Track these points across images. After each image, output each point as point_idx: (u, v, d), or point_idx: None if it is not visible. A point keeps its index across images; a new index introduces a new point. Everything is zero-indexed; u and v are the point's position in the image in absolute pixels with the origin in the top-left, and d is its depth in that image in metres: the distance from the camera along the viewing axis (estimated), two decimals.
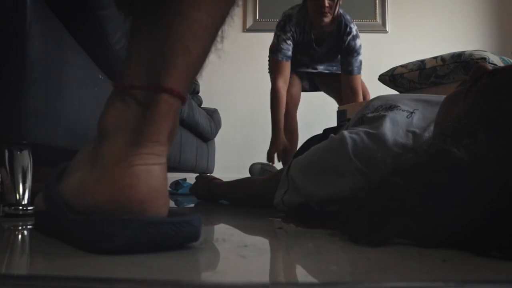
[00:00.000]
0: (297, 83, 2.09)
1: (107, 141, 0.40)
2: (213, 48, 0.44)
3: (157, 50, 0.40)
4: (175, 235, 0.38)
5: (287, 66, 1.93)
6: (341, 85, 2.01)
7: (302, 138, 1.87)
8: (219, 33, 0.44)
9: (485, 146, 0.42)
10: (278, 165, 2.03)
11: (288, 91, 1.98)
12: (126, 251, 0.36)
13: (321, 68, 2.09)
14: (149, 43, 0.41)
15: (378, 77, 1.81)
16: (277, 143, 1.90)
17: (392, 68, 1.78)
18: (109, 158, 0.39)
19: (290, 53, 1.92)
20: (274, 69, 1.95)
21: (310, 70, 2.09)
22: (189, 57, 0.40)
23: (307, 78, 2.15)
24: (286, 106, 1.96)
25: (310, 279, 0.34)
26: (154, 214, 0.39)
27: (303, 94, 2.16)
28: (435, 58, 1.60)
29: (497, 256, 0.38)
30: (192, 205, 1.11)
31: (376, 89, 1.78)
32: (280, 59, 1.91)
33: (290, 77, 1.99)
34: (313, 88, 2.20)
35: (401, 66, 1.74)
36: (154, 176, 0.39)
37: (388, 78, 1.77)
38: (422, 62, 1.65)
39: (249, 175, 1.95)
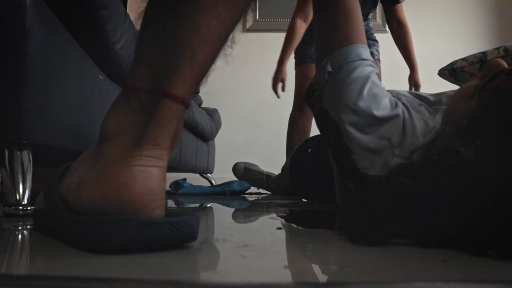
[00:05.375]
0: None
1: (108, 142, 0.41)
2: (221, 54, 0.44)
3: (164, 54, 0.40)
4: (173, 235, 0.38)
5: (309, 1, 1.81)
6: (386, 18, 1.96)
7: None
8: (229, 38, 0.44)
9: (496, 147, 0.42)
10: (261, 161, 2.03)
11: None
12: (124, 250, 0.36)
13: None
14: (157, 47, 0.41)
15: (437, 71, 1.75)
16: (276, 75, 1.89)
17: (452, 62, 1.69)
18: (108, 158, 0.40)
19: None
20: (296, 5, 1.86)
21: None
22: (195, 62, 0.40)
23: None
24: (304, 104, 1.91)
25: (310, 279, 0.34)
26: (147, 215, 0.39)
27: None
28: (497, 49, 1.54)
29: (496, 256, 0.38)
30: (192, 205, 1.11)
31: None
32: None
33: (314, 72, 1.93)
34: None
35: (462, 59, 1.67)
36: (151, 178, 0.39)
37: (448, 72, 1.70)
38: (484, 54, 1.58)
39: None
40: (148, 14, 0.42)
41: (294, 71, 2.00)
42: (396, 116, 0.68)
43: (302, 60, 1.93)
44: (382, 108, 0.68)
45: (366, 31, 1.98)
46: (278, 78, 1.89)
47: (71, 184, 0.42)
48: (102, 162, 0.40)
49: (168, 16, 0.40)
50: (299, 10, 1.84)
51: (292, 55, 1.97)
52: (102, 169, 0.39)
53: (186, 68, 0.40)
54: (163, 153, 0.40)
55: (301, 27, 1.84)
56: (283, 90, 1.91)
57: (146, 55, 0.41)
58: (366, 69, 0.71)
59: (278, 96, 1.92)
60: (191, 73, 0.40)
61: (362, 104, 0.68)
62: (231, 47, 0.45)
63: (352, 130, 0.67)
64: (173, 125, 0.41)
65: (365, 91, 0.68)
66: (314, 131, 1.89)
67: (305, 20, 1.84)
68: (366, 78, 0.70)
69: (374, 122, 0.67)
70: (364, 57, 0.72)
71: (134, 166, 0.39)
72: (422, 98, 0.84)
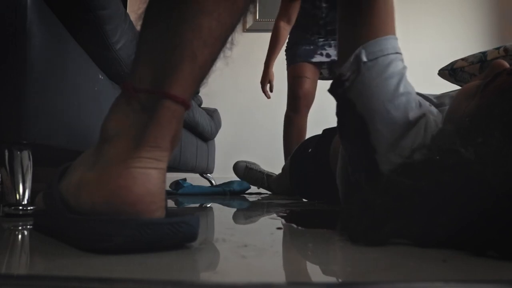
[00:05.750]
0: (312, 76, 1.92)
1: (108, 143, 0.41)
2: (221, 55, 0.44)
3: (164, 55, 0.40)
4: (173, 235, 0.38)
5: (292, 4, 1.84)
6: None
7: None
8: (229, 40, 0.44)
9: (496, 147, 0.42)
10: (261, 161, 2.03)
11: (302, 86, 1.88)
12: (124, 250, 0.36)
13: (334, 54, 1.91)
14: (157, 48, 0.41)
15: (437, 71, 1.72)
16: (263, 78, 1.96)
17: (452, 62, 1.67)
18: (108, 160, 0.40)
19: None
20: (280, 8, 1.88)
21: (325, 59, 1.92)
22: (196, 63, 0.40)
23: (327, 67, 2.01)
24: (297, 103, 1.88)
25: (310, 279, 0.34)
26: (147, 217, 0.39)
27: (320, 83, 1.99)
28: (497, 49, 1.52)
29: (496, 256, 0.38)
30: (192, 205, 1.11)
31: None
32: None
33: (306, 70, 1.89)
34: (334, 76, 2.04)
35: (462, 59, 1.65)
36: (150, 180, 0.39)
37: (448, 72, 1.66)
38: (484, 54, 1.56)
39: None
40: (149, 15, 0.42)
41: (279, 73, 2.02)
42: (422, 117, 0.65)
43: (293, 60, 1.93)
44: (412, 109, 0.65)
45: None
46: (265, 80, 1.96)
47: (71, 184, 0.42)
48: (102, 163, 0.40)
49: (168, 17, 0.40)
50: (282, 13, 1.88)
51: (281, 57, 1.98)
52: (102, 170, 0.39)
53: (187, 68, 0.40)
54: (163, 155, 0.40)
55: (285, 30, 1.89)
56: (271, 90, 1.99)
57: (146, 55, 0.41)
58: (399, 64, 0.67)
59: (268, 97, 1.98)
60: (191, 73, 0.40)
61: (397, 103, 0.64)
62: (230, 49, 0.45)
63: (383, 130, 0.63)
64: (173, 125, 0.41)
65: (401, 89, 0.65)
66: (310, 130, 1.90)
67: (288, 22, 1.88)
68: (401, 74, 0.66)
69: (407, 125, 0.63)
70: (399, 50, 0.68)
71: (134, 168, 0.39)
72: (427, 99, 0.83)
